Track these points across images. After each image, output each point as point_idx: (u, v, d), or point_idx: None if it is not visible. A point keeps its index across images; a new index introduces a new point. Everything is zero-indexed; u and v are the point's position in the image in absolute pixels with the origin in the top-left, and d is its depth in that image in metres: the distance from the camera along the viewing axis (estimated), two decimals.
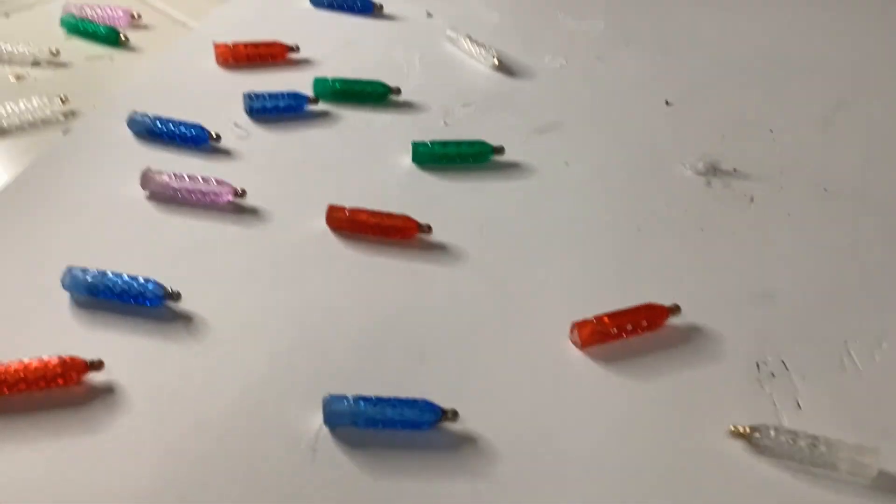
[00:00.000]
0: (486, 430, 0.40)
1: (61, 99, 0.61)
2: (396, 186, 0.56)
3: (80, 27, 0.70)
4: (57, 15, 0.72)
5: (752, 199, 0.56)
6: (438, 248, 0.51)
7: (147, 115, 0.57)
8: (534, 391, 0.43)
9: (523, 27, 0.74)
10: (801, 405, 0.42)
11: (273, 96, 0.60)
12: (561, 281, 0.49)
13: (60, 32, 0.71)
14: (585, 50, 0.71)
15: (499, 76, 0.67)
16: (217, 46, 0.66)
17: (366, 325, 0.45)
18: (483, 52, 0.69)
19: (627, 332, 0.45)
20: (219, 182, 0.52)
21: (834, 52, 0.72)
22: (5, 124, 0.60)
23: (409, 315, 0.46)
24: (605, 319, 0.45)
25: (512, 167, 0.58)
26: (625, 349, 0.45)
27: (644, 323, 0.45)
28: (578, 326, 0.45)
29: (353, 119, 0.61)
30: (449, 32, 0.71)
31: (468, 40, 0.70)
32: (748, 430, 0.40)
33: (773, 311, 0.47)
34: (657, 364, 0.44)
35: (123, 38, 0.69)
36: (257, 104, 0.60)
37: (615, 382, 0.43)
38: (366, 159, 0.58)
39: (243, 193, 0.52)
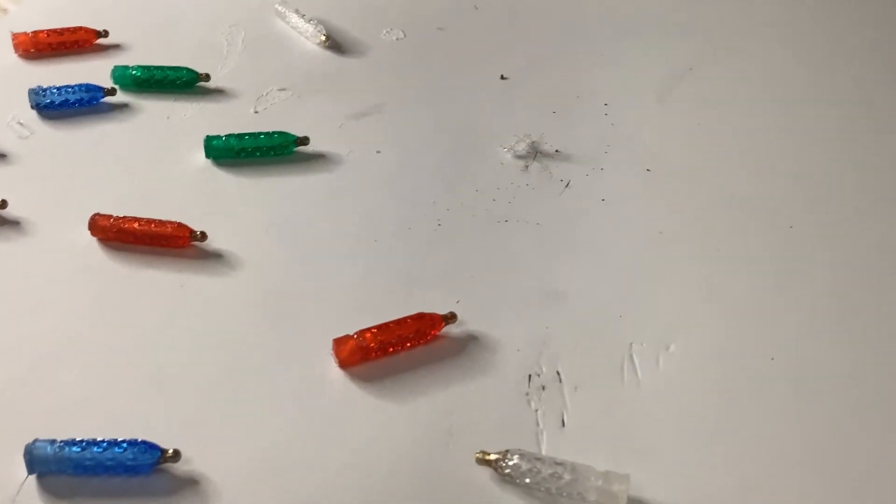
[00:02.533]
0: (214, 469, 0.37)
1: None
2: (185, 186, 0.51)
3: None
4: None
5: (568, 184, 0.51)
6: (214, 257, 0.47)
7: None
8: (281, 420, 0.39)
9: None
10: (565, 423, 0.39)
11: (63, 90, 0.56)
12: (342, 289, 0.45)
13: None
14: (429, 20, 0.67)
15: (327, 54, 0.63)
16: (15, 36, 0.61)
17: (108, 351, 0.42)
18: (312, 27, 0.64)
19: (394, 347, 0.42)
20: None
21: (691, 15, 0.67)
22: None
23: (159, 336, 0.43)
24: (368, 335, 0.41)
25: (317, 159, 0.54)
26: (393, 365, 0.42)
27: (414, 336, 0.42)
28: (337, 344, 0.41)
29: (153, 111, 0.57)
30: (277, 6, 0.66)
31: (297, 15, 0.65)
32: (494, 457, 0.37)
33: (561, 313, 0.44)
34: (423, 381, 0.41)
35: None
36: (44, 99, 0.55)
37: (371, 405, 0.40)
38: (158, 156, 0.53)
39: (4, 204, 0.48)
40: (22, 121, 0.55)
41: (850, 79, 0.61)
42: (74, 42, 0.61)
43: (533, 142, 0.54)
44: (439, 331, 0.42)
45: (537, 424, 0.39)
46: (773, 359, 0.41)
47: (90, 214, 0.48)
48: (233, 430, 0.39)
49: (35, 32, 0.61)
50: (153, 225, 0.47)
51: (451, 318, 0.43)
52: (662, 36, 0.65)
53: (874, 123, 0.57)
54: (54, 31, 0.61)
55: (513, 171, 0.53)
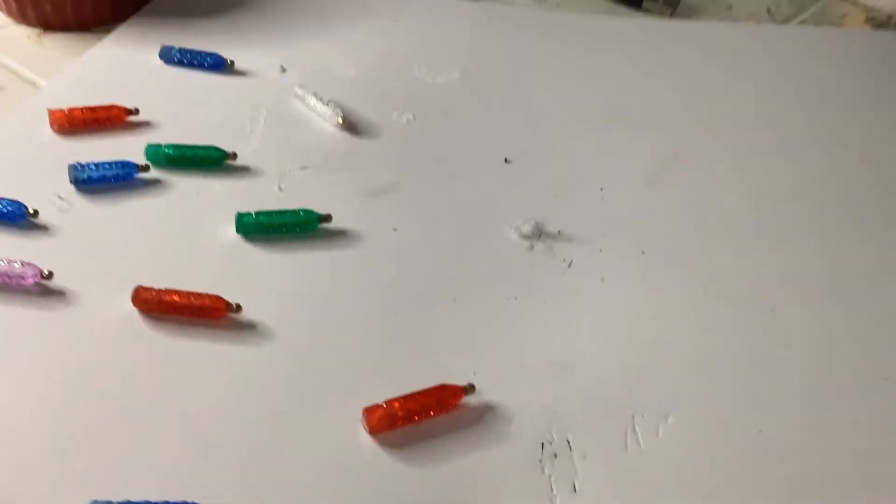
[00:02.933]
0: None
1: None
2: (218, 260, 0.55)
3: None
4: None
5: (570, 264, 0.56)
6: (247, 328, 0.51)
7: None
8: (315, 483, 0.43)
9: (378, 81, 0.74)
10: (577, 488, 0.43)
11: (100, 165, 0.60)
12: (367, 359, 0.50)
13: None
14: (435, 104, 0.72)
15: (343, 135, 0.68)
16: (52, 113, 0.65)
17: (154, 417, 0.45)
18: (329, 109, 0.69)
19: (419, 415, 0.46)
20: (24, 264, 0.52)
21: (673, 106, 0.73)
22: None
23: (200, 403, 0.46)
24: (395, 404, 0.45)
25: (340, 235, 0.58)
26: (418, 433, 0.46)
27: (436, 405, 0.46)
28: (367, 412, 0.45)
29: (185, 187, 0.61)
30: (297, 90, 0.71)
31: (315, 98, 0.70)
32: None
33: (569, 385, 0.48)
34: (445, 447, 0.45)
35: None
36: (83, 174, 0.59)
37: (398, 470, 0.44)
38: (191, 231, 0.57)
39: (50, 275, 0.52)
40: (62, 195, 0.59)
41: (829, 165, 0.67)
42: (107, 119, 0.66)
43: (537, 223, 0.59)
44: (459, 401, 0.47)
45: (551, 490, 0.43)
46: (760, 431, 0.46)
47: (130, 285, 0.51)
48: (273, 494, 0.42)
49: (70, 109, 0.65)
50: (192, 297, 0.51)
51: (469, 388, 0.47)
52: (649, 126, 0.70)
53: (856, 206, 0.63)
54: (88, 108, 0.65)
55: (520, 250, 0.58)
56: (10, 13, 0.79)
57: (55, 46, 0.77)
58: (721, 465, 0.45)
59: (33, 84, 0.74)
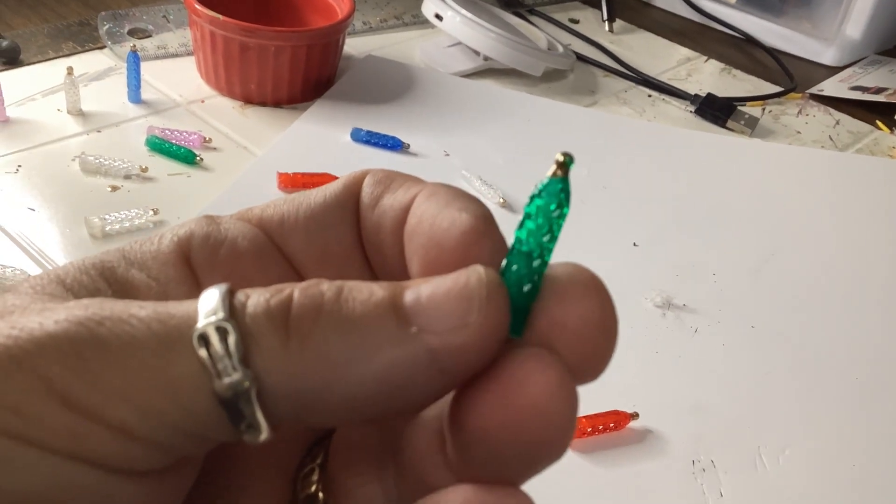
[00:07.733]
0: None
1: (153, 210, 0.76)
2: None
3: (162, 147, 0.85)
4: (137, 132, 0.88)
5: (696, 331, 0.72)
6: None
7: None
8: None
9: (521, 170, 0.91)
10: (723, 494, 0.58)
11: None
12: None
13: (144, 149, 0.86)
14: (572, 193, 0.88)
15: (503, 212, 0.84)
16: (280, 175, 0.81)
17: None
18: (491, 190, 0.85)
19: (599, 430, 0.60)
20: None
21: (772, 209, 0.90)
22: (108, 230, 0.75)
23: None
24: (584, 420, 0.60)
25: None
26: (597, 443, 0.60)
27: (612, 424, 0.61)
28: None
29: None
30: (464, 172, 0.87)
31: (479, 180, 0.86)
32: None
33: (707, 421, 0.63)
34: (620, 457, 0.60)
35: (199, 159, 0.85)
36: None
37: (586, 468, 0.58)
38: None
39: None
40: None
41: (882, 260, 0.83)
42: (320, 183, 0.81)
43: (666, 296, 0.75)
44: (627, 423, 0.61)
45: (703, 493, 0.57)
46: (854, 465, 0.61)
47: None
48: None
49: (294, 173, 0.81)
50: None
51: (634, 415, 0.62)
52: (743, 225, 0.87)
53: None
54: (307, 174, 0.82)
55: (654, 316, 0.73)
56: (217, 87, 0.96)
57: (256, 117, 0.95)
58: (826, 487, 0.59)
59: (245, 148, 0.90)
